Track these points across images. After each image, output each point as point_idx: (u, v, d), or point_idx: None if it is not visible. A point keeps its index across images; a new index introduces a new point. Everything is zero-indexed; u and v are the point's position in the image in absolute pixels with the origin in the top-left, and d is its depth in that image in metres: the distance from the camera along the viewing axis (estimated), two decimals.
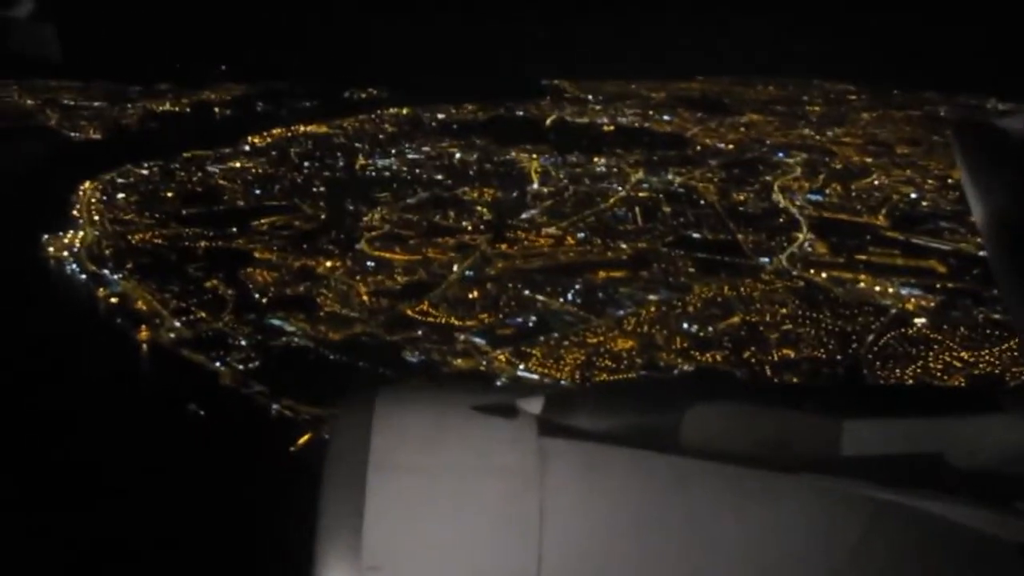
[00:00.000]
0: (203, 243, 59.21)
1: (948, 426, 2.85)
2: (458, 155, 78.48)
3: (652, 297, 52.42)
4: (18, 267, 54.89)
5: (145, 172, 73.11)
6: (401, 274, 54.96)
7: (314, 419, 40.42)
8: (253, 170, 74.11)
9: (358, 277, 54.58)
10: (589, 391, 3.87)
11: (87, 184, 69.64)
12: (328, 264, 56.19)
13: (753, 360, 46.21)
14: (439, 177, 72.91)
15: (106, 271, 55.90)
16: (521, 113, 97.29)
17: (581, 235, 61.22)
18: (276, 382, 43.85)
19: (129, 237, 60.57)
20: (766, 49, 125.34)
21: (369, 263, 56.46)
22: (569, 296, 52.08)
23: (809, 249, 59.43)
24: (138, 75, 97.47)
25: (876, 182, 72.74)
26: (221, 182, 71.10)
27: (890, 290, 52.90)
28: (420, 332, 48.69)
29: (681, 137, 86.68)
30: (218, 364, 46.11)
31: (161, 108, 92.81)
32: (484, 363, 46.31)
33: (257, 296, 52.27)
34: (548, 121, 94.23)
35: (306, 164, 76.01)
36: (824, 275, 55.33)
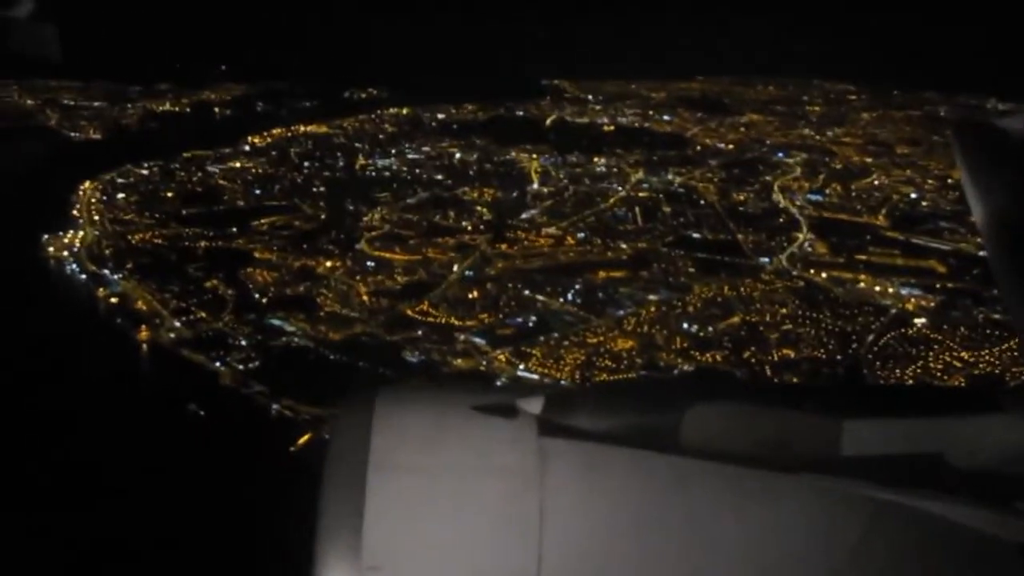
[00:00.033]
0: (203, 243, 59.21)
1: (948, 426, 2.85)
2: (458, 155, 78.48)
3: (652, 297, 52.41)
4: (18, 267, 54.88)
5: (145, 172, 73.12)
6: (401, 274, 54.95)
7: (314, 419, 40.42)
8: (253, 170, 74.12)
9: (358, 277, 54.58)
10: (589, 391, 3.87)
11: (87, 184, 69.66)
12: (328, 264, 56.18)
13: (753, 360, 46.20)
14: (439, 177, 72.91)
15: (106, 271, 55.89)
16: (521, 113, 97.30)
17: (581, 235, 61.22)
18: (276, 382, 43.85)
19: (129, 237, 60.57)
20: (766, 49, 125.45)
21: (369, 263, 56.46)
22: (569, 296, 52.07)
23: (809, 249, 59.43)
24: (138, 75, 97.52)
25: (876, 182, 72.74)
26: (221, 182, 71.11)
27: (890, 290, 52.89)
28: (420, 332, 48.68)
29: (681, 137, 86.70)
30: (218, 364, 46.10)
31: (161, 108, 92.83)
32: (484, 363, 46.31)
33: (257, 296, 52.27)
34: (548, 121, 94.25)
35: (306, 164, 76.01)
36: (824, 275, 55.33)
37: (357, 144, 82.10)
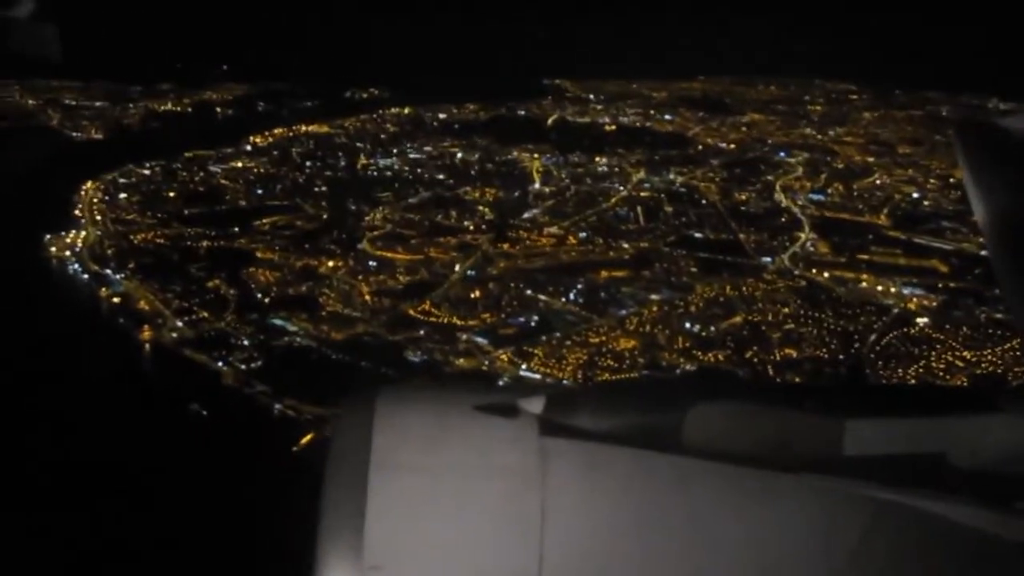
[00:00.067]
0: (205, 243, 59.20)
1: (950, 426, 2.86)
2: (460, 155, 78.50)
3: (654, 297, 52.36)
4: (20, 267, 54.92)
5: (147, 172, 73.11)
6: (403, 274, 54.92)
7: (316, 419, 40.41)
8: (255, 170, 74.13)
9: (360, 277, 54.56)
10: (590, 391, 3.88)
11: (89, 184, 69.65)
12: (330, 264, 56.18)
13: (755, 360, 46.17)
14: (441, 177, 72.91)
15: (108, 271, 55.88)
16: (523, 113, 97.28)
17: (583, 235, 61.18)
18: (278, 382, 43.83)
19: (131, 237, 60.58)
20: (767, 49, 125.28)
21: (371, 263, 56.45)
22: (571, 296, 52.05)
23: (811, 249, 59.38)
24: (139, 75, 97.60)
25: (878, 182, 72.70)
26: (223, 182, 71.12)
27: (892, 290, 52.85)
28: (422, 332, 48.65)
29: (683, 137, 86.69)
30: (220, 364, 46.07)
31: (162, 108, 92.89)
32: (486, 363, 46.28)
33: (259, 296, 52.27)
34: (550, 121, 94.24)
35: (308, 164, 76.00)
36: (826, 275, 55.28)
37: (359, 144, 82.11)
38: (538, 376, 45.06)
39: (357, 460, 2.43)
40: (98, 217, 64.14)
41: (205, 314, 50.39)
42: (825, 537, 2.54)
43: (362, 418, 2.54)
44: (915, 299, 52.05)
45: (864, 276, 54.61)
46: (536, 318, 49.96)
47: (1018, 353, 44.42)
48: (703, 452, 2.60)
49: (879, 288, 53.12)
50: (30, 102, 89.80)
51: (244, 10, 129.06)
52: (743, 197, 69.29)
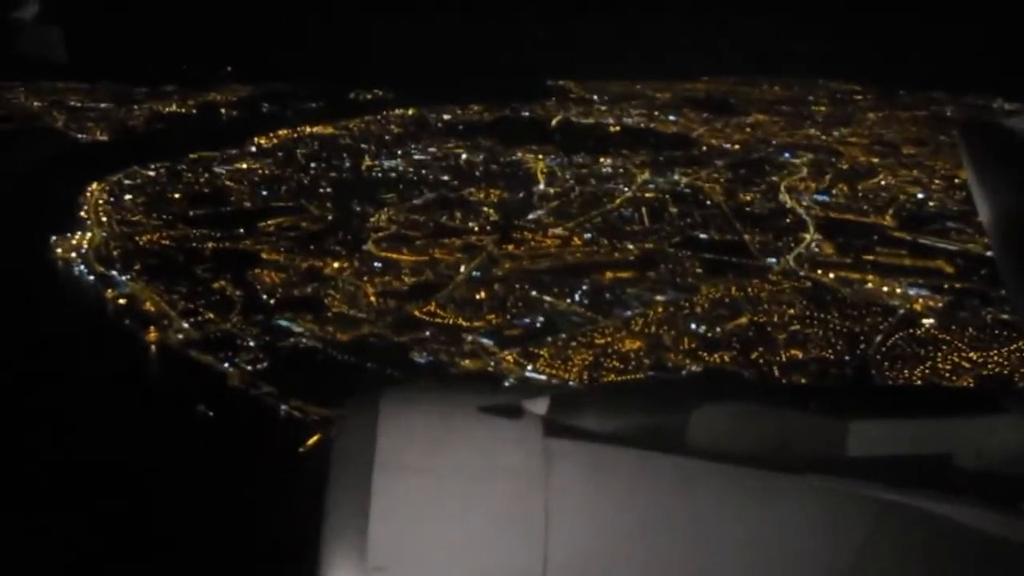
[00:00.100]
0: (210, 244, 59.29)
1: (955, 427, 2.85)
2: (464, 156, 78.57)
3: (659, 298, 52.33)
4: (26, 269, 54.99)
5: (152, 173, 73.30)
6: (408, 275, 54.93)
7: (323, 420, 40.40)
8: (260, 171, 74.25)
9: (365, 278, 54.59)
10: (594, 392, 3.87)
11: (94, 185, 69.81)
12: (335, 265, 56.23)
13: (761, 361, 46.10)
14: (445, 178, 72.97)
15: (114, 272, 55.96)
16: (527, 114, 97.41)
17: (588, 236, 61.18)
18: (284, 383, 43.83)
19: (137, 238, 60.68)
20: (770, 49, 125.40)
21: (376, 264, 56.48)
22: (576, 297, 52.03)
23: (816, 249, 59.31)
24: (144, 77, 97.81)
25: (883, 182, 72.62)
26: (228, 183, 71.23)
27: (898, 290, 52.77)
28: (428, 333, 48.65)
29: (687, 137, 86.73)
30: (226, 365, 46.10)
31: (167, 109, 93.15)
32: (492, 364, 46.25)
33: (265, 297, 52.31)
34: (554, 122, 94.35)
35: (312, 165, 76.14)
36: (831, 275, 55.20)
37: (363, 145, 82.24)
38: (544, 377, 45.01)
39: (361, 461, 2.43)
40: (103, 218, 64.24)
41: (211, 315, 50.45)
42: (830, 538, 2.53)
43: (366, 419, 2.54)
44: (921, 300, 51.96)
45: (869, 277, 54.53)
46: (541, 319, 49.93)
47: None
48: (707, 453, 2.60)
49: (884, 289, 53.04)
50: (35, 104, 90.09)
51: (248, 12, 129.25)
52: (748, 198, 69.25)
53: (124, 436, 37.73)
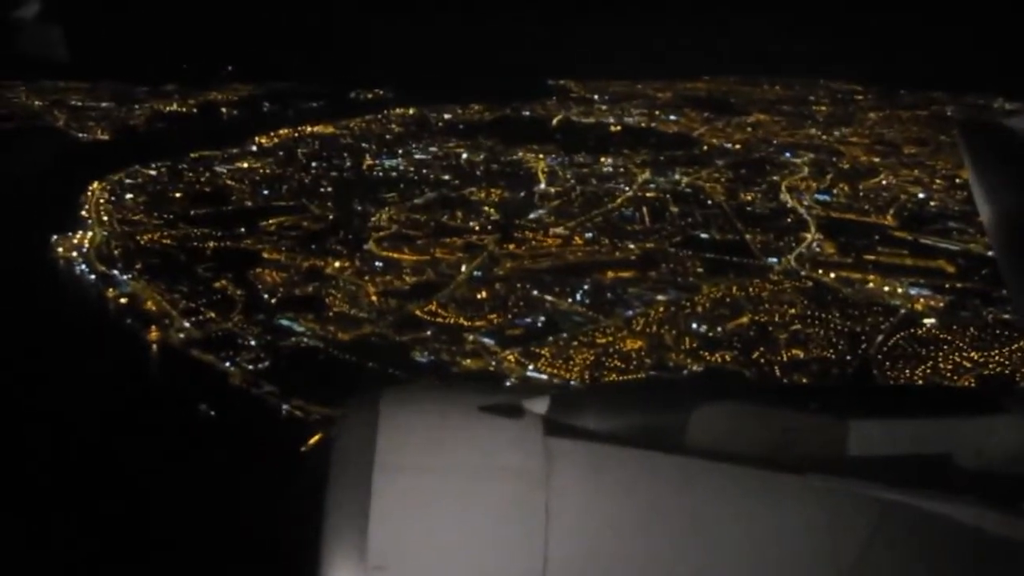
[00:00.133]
0: (212, 243, 59.29)
1: (955, 427, 2.86)
2: (465, 155, 78.61)
3: (661, 297, 52.29)
4: (27, 268, 54.98)
5: (153, 172, 73.35)
6: (409, 274, 54.90)
7: (324, 419, 40.33)
8: (261, 170, 74.30)
9: (366, 277, 54.57)
10: (594, 392, 3.87)
11: (95, 184, 69.82)
12: (336, 264, 56.22)
13: (762, 360, 46.07)
14: (446, 177, 72.98)
15: (115, 271, 55.94)
16: (527, 113, 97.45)
17: (589, 235, 61.15)
18: (286, 382, 43.78)
19: (138, 237, 60.67)
20: (771, 49, 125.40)
21: (377, 263, 56.46)
22: (578, 296, 52.00)
23: (817, 249, 59.27)
24: (145, 76, 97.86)
25: (884, 182, 72.63)
26: (229, 182, 71.25)
27: (899, 290, 52.72)
28: (429, 332, 48.60)
29: (688, 137, 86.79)
30: (228, 364, 46.07)
31: (168, 108, 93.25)
32: (493, 363, 46.21)
33: (266, 296, 52.30)
34: (554, 121, 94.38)
35: (313, 164, 76.16)
36: (832, 275, 55.17)
37: (364, 144, 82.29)
38: (545, 377, 44.98)
39: (361, 461, 2.43)
40: (105, 218, 64.23)
41: (212, 315, 50.41)
42: (831, 537, 2.53)
43: (366, 419, 2.55)
44: (922, 300, 51.92)
45: (871, 277, 54.49)
46: (543, 319, 49.89)
47: None
48: (708, 453, 2.60)
49: (886, 289, 53.00)
50: (36, 103, 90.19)
51: (249, 11, 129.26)
52: (749, 197, 69.24)
53: (125, 436, 37.73)
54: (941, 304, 51.53)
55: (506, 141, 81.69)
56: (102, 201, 67.39)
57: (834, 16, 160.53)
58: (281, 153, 79.13)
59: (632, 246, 59.28)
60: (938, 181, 71.14)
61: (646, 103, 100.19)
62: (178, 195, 68.82)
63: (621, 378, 43.99)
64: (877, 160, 78.29)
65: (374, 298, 52.14)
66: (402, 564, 2.32)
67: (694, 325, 49.24)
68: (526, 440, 2.53)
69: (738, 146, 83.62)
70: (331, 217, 64.31)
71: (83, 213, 64.99)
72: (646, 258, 57.43)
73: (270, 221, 62.91)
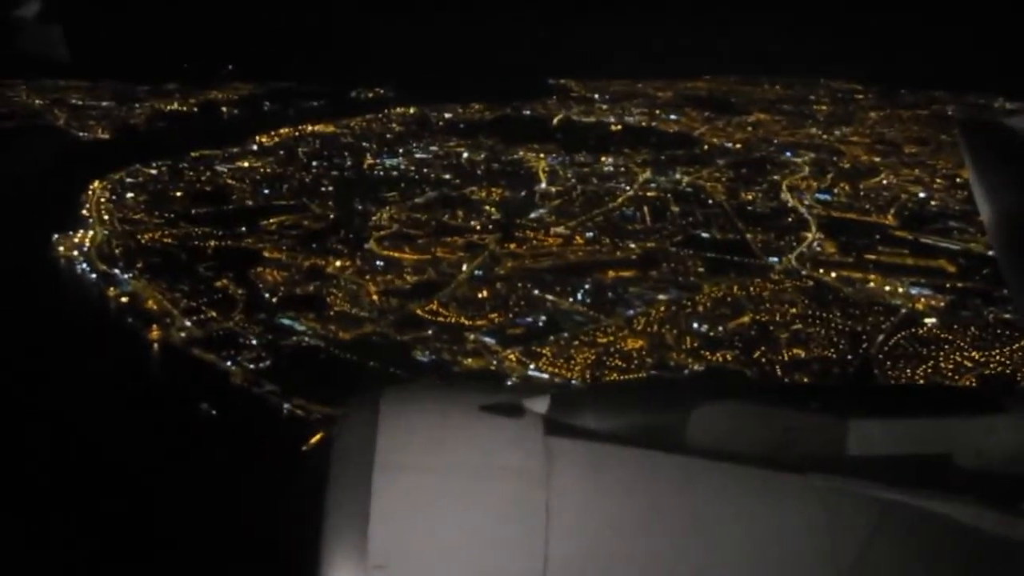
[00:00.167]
0: (212, 242, 59.30)
1: (955, 427, 2.86)
2: (466, 154, 78.61)
3: (662, 297, 52.28)
4: (28, 267, 55.00)
5: (154, 171, 73.38)
6: (410, 273, 54.90)
7: (325, 418, 40.33)
8: (261, 169, 74.34)
9: (367, 276, 54.58)
10: (595, 391, 3.87)
11: (96, 183, 69.83)
12: (337, 263, 56.23)
13: (763, 360, 46.07)
14: (447, 176, 72.98)
15: (116, 270, 55.98)
16: (528, 112, 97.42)
17: (590, 234, 61.14)
18: (287, 381, 43.80)
19: (139, 236, 60.69)
20: (771, 48, 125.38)
21: (378, 262, 56.46)
22: (579, 296, 51.99)
23: (818, 249, 59.25)
24: (146, 75, 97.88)
25: (884, 181, 72.57)
26: (230, 181, 71.27)
27: (900, 290, 52.70)
28: (430, 332, 48.61)
29: (689, 136, 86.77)
30: (229, 363, 46.09)
31: (169, 107, 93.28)
32: (494, 363, 46.22)
33: (267, 295, 52.31)
34: (555, 120, 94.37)
35: (314, 164, 76.16)
36: (833, 275, 55.15)
37: (364, 144, 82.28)
38: (546, 376, 44.98)
39: (361, 460, 2.43)
40: (105, 217, 64.26)
41: (213, 314, 50.43)
42: (831, 537, 2.53)
43: (367, 418, 2.55)
44: (923, 299, 51.89)
45: (871, 276, 54.47)
46: (544, 318, 49.89)
47: None
48: (708, 452, 2.60)
49: (887, 288, 52.98)
50: (37, 102, 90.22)
51: (250, 10, 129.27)
52: (750, 197, 69.23)
53: (125, 435, 37.72)
54: (942, 304, 51.51)
55: (507, 140, 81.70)
56: (103, 200, 67.41)
57: (834, 16, 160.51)
58: (282, 152, 79.14)
59: (633, 245, 59.26)
60: (939, 181, 71.10)
61: (647, 102, 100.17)
62: (179, 194, 68.84)
63: (622, 377, 44.01)
64: (878, 159, 78.26)
65: (375, 297, 52.15)
66: (402, 563, 2.33)
67: (695, 324, 49.24)
68: (527, 440, 2.53)
69: (739, 145, 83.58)
70: (332, 216, 64.31)
71: (84, 212, 65.02)
72: (647, 257, 57.42)
73: (271, 220, 62.92)
